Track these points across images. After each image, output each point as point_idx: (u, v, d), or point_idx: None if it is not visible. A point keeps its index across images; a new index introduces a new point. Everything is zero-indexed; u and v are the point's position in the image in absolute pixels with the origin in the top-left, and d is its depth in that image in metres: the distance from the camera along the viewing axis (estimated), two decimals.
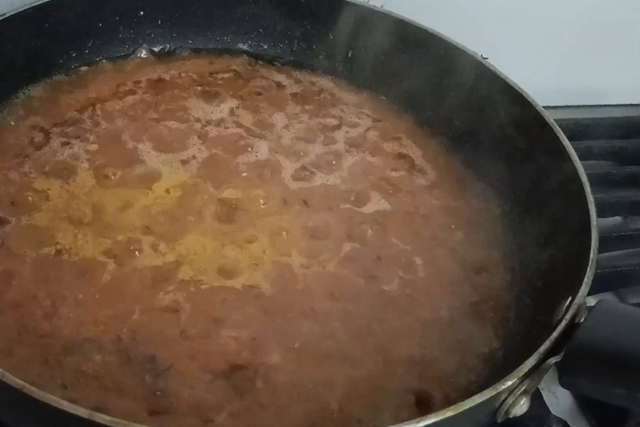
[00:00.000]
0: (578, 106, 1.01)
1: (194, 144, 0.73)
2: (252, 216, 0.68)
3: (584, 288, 0.55)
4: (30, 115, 0.73)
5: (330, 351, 0.59)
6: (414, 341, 0.61)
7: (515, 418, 0.53)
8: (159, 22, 0.83)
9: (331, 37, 0.83)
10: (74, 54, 0.79)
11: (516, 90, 0.73)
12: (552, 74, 0.93)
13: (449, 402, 0.54)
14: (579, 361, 0.50)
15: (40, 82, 0.76)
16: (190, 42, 0.85)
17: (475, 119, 0.76)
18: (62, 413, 0.44)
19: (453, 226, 0.71)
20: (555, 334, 0.52)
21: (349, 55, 0.84)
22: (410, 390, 0.58)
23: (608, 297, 0.77)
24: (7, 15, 0.70)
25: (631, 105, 1.04)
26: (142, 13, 0.81)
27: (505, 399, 0.51)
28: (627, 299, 0.78)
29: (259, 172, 0.72)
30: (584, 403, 0.68)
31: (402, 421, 0.47)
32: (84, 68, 0.79)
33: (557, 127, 0.69)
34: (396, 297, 0.64)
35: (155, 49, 0.83)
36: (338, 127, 0.78)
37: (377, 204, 0.71)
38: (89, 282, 0.60)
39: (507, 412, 0.52)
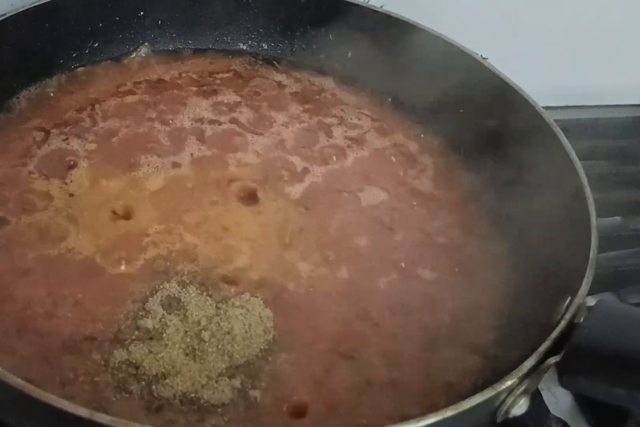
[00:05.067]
0: (578, 106, 1.01)
1: (193, 144, 0.73)
2: (253, 215, 0.68)
3: (584, 288, 0.55)
4: (30, 116, 0.73)
5: (331, 350, 0.59)
6: (414, 340, 0.61)
7: (515, 418, 0.53)
8: (159, 22, 0.83)
9: (331, 38, 0.83)
10: (74, 54, 0.79)
11: (516, 90, 0.73)
12: (552, 74, 0.93)
13: (448, 402, 0.54)
14: (579, 361, 0.50)
15: (40, 82, 0.76)
16: (190, 42, 0.85)
17: (474, 119, 0.76)
18: (63, 413, 0.44)
19: (453, 223, 0.71)
20: (555, 334, 0.52)
21: (349, 55, 0.84)
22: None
23: (608, 297, 0.77)
24: (7, 15, 0.70)
25: (631, 105, 1.04)
26: (142, 13, 0.81)
27: (505, 399, 0.51)
28: (627, 299, 0.78)
29: (259, 172, 0.72)
30: (584, 403, 0.68)
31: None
32: (83, 68, 0.79)
33: (557, 127, 0.69)
34: (398, 296, 0.64)
35: (155, 50, 0.83)
36: (338, 126, 0.78)
37: (376, 202, 0.71)
38: (89, 281, 0.60)
39: (506, 412, 0.52)
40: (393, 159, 0.76)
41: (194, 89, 0.79)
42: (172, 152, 0.72)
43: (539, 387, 0.64)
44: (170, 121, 0.75)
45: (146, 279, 0.61)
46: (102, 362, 0.55)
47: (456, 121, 0.78)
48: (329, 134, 0.77)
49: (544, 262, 0.65)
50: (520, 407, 0.52)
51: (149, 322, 0.58)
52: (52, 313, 0.58)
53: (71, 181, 0.68)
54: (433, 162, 0.77)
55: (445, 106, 0.78)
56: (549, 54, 0.92)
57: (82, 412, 0.44)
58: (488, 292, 0.66)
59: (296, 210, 0.69)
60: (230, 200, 0.69)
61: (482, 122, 0.76)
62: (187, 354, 0.56)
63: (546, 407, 0.66)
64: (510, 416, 0.52)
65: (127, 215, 0.66)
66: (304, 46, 0.85)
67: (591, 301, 0.55)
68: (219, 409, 0.54)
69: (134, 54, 0.82)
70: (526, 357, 0.51)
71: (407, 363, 0.59)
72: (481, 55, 0.76)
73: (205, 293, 0.60)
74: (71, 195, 0.67)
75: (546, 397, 0.67)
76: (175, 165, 0.71)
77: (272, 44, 0.86)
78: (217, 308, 0.59)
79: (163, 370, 0.55)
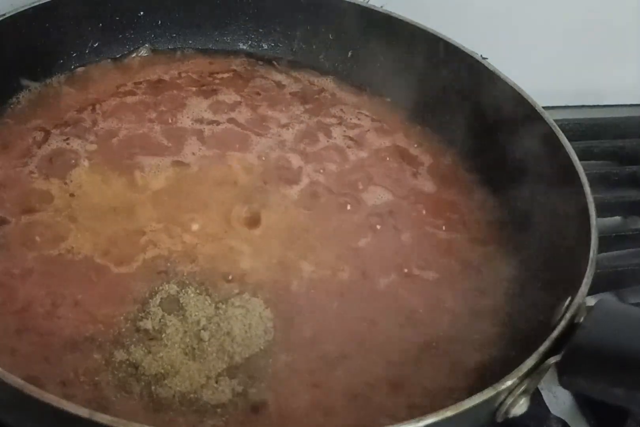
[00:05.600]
0: (578, 106, 1.01)
1: (194, 144, 0.73)
2: (254, 215, 0.68)
3: (584, 288, 0.55)
4: (31, 116, 0.73)
5: (331, 351, 0.59)
6: (413, 341, 0.61)
7: (514, 418, 0.53)
8: (159, 22, 0.83)
9: (331, 38, 0.83)
10: (74, 54, 0.79)
11: (516, 90, 0.73)
12: (552, 74, 0.93)
13: (448, 402, 0.54)
14: (579, 361, 0.50)
15: (40, 82, 0.76)
16: (190, 42, 0.85)
17: (474, 119, 0.76)
18: (63, 413, 0.44)
19: (453, 223, 0.71)
20: (555, 334, 0.52)
21: (349, 55, 0.84)
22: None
23: (608, 297, 0.77)
24: (7, 15, 0.70)
25: (631, 105, 1.04)
26: (142, 13, 0.81)
27: (505, 399, 0.51)
28: (627, 299, 0.78)
29: (259, 172, 0.72)
30: (584, 403, 0.68)
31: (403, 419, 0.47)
32: (83, 68, 0.79)
33: (557, 127, 0.69)
34: (398, 296, 0.64)
35: (155, 50, 0.83)
36: (338, 126, 0.78)
37: (376, 202, 0.72)
38: (89, 282, 0.60)
39: (506, 412, 0.52)
40: (393, 159, 0.76)
41: (194, 89, 0.79)
42: (172, 153, 0.72)
43: (539, 387, 0.64)
44: (171, 121, 0.75)
45: (146, 279, 0.61)
46: (103, 362, 0.55)
47: (456, 121, 0.78)
48: (329, 134, 0.77)
49: (543, 262, 0.65)
50: (520, 407, 0.51)
51: (148, 323, 0.58)
52: (53, 313, 0.58)
53: (71, 181, 0.68)
54: (433, 162, 0.77)
55: (445, 106, 0.78)
56: (549, 54, 0.92)
57: (82, 412, 0.44)
58: (488, 292, 0.66)
59: (297, 211, 0.69)
60: (230, 200, 0.69)
61: (481, 122, 0.76)
62: (186, 354, 0.56)
63: (546, 407, 0.66)
64: (510, 416, 0.52)
65: (127, 215, 0.66)
66: (304, 46, 0.85)
67: (591, 301, 0.55)
68: (219, 410, 0.54)
69: (134, 54, 0.82)
70: (526, 357, 0.51)
71: (407, 364, 0.59)
72: (481, 55, 0.76)
73: (204, 293, 0.61)
74: (71, 195, 0.67)
75: (546, 397, 0.67)
76: (176, 165, 0.71)
77: (272, 44, 0.86)
78: (217, 308, 0.59)
79: (162, 370, 0.55)
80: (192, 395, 0.54)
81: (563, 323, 0.53)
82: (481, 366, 0.60)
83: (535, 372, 0.51)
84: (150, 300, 0.59)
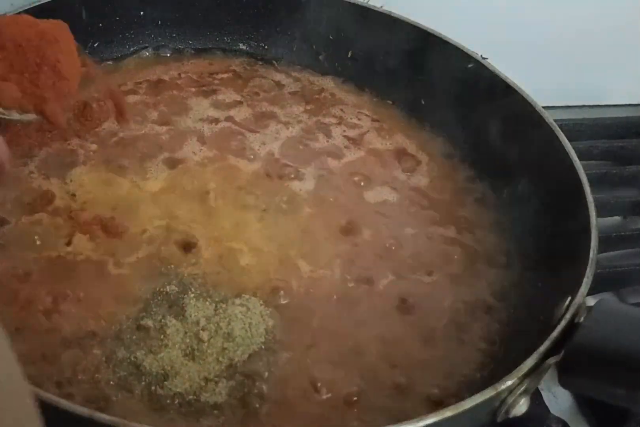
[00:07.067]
0: (578, 106, 1.01)
1: (194, 144, 0.73)
2: (254, 215, 0.68)
3: (584, 288, 0.56)
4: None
5: (331, 350, 0.59)
6: (413, 341, 0.61)
7: (515, 418, 0.53)
8: (159, 22, 0.83)
9: (331, 38, 0.83)
10: None
11: (516, 90, 0.73)
12: (552, 74, 0.93)
13: (448, 402, 0.54)
14: (579, 361, 0.50)
15: None
16: (190, 42, 0.85)
17: (474, 119, 0.76)
18: (63, 412, 0.44)
19: (454, 223, 0.71)
20: (555, 334, 0.52)
21: (349, 55, 0.84)
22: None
23: (608, 297, 0.77)
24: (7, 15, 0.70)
25: (631, 105, 1.04)
26: (142, 13, 0.81)
27: (505, 398, 0.51)
28: (627, 299, 0.78)
29: (259, 172, 0.72)
30: (584, 403, 0.68)
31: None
32: (84, 68, 0.79)
33: (557, 127, 0.69)
34: (397, 295, 0.64)
35: (155, 50, 0.83)
36: (337, 126, 0.78)
37: (376, 201, 0.72)
38: (89, 281, 0.60)
39: (507, 412, 0.52)
40: (392, 158, 0.76)
41: (194, 89, 0.80)
42: (172, 153, 0.72)
43: (539, 387, 0.64)
44: (171, 121, 0.75)
45: (147, 280, 0.61)
46: (104, 359, 0.55)
47: (455, 121, 0.78)
48: (329, 134, 0.77)
49: (544, 262, 0.65)
50: (520, 407, 0.51)
51: (149, 323, 0.58)
52: (53, 311, 0.58)
53: (71, 181, 0.68)
54: (433, 162, 0.77)
55: (444, 106, 0.78)
56: (549, 54, 0.92)
57: (82, 411, 0.44)
58: (488, 291, 0.66)
59: (297, 210, 0.69)
60: (230, 200, 0.69)
61: (481, 122, 0.76)
62: (186, 355, 0.56)
63: (546, 407, 0.66)
64: (511, 415, 0.52)
65: (127, 215, 0.66)
66: (304, 46, 0.85)
67: (591, 301, 0.55)
68: (216, 411, 0.54)
69: (134, 54, 0.82)
70: (526, 357, 0.51)
71: (406, 364, 0.59)
72: (481, 55, 0.76)
73: (205, 294, 0.60)
74: (72, 195, 0.67)
75: (546, 397, 0.67)
76: (176, 165, 0.71)
77: (272, 44, 0.86)
78: (217, 308, 0.59)
79: (162, 371, 0.55)
80: (190, 396, 0.54)
81: (563, 323, 0.53)
82: (481, 366, 0.60)
83: (535, 372, 0.51)
84: (151, 300, 0.60)
